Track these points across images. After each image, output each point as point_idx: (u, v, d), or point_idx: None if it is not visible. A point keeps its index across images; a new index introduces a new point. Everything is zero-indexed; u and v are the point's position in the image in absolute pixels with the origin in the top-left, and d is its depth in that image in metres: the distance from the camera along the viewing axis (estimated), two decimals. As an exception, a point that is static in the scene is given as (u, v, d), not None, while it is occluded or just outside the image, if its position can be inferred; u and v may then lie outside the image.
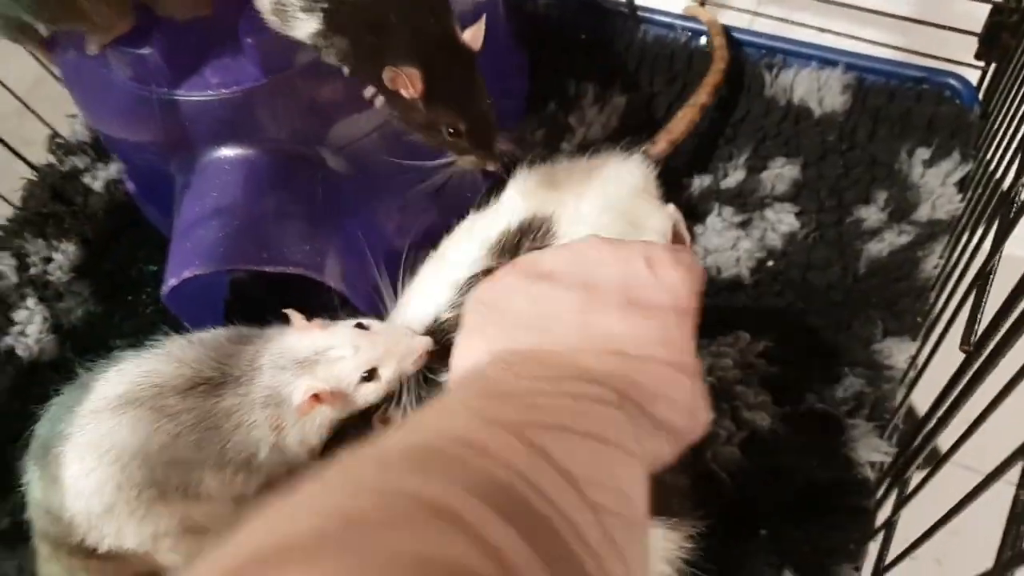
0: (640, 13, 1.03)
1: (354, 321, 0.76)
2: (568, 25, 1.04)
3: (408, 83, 0.66)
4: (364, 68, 0.70)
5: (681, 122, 0.88)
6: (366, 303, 0.84)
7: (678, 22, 1.02)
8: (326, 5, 0.67)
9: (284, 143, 0.80)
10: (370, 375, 0.72)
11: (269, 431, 0.73)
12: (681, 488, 0.68)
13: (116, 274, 0.99)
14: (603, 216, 0.80)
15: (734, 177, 0.92)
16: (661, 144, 0.87)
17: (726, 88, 0.96)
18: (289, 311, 0.77)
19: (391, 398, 0.76)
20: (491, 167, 0.74)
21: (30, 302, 0.98)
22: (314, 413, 0.73)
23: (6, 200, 1.04)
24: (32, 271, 1.00)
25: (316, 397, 0.71)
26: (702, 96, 0.90)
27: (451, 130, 0.70)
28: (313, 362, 0.73)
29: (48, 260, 1.00)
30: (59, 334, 0.96)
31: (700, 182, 0.93)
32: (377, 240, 0.87)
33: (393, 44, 0.67)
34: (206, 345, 0.75)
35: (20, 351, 0.96)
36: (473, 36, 0.71)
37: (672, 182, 0.92)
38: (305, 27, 0.68)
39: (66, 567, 0.76)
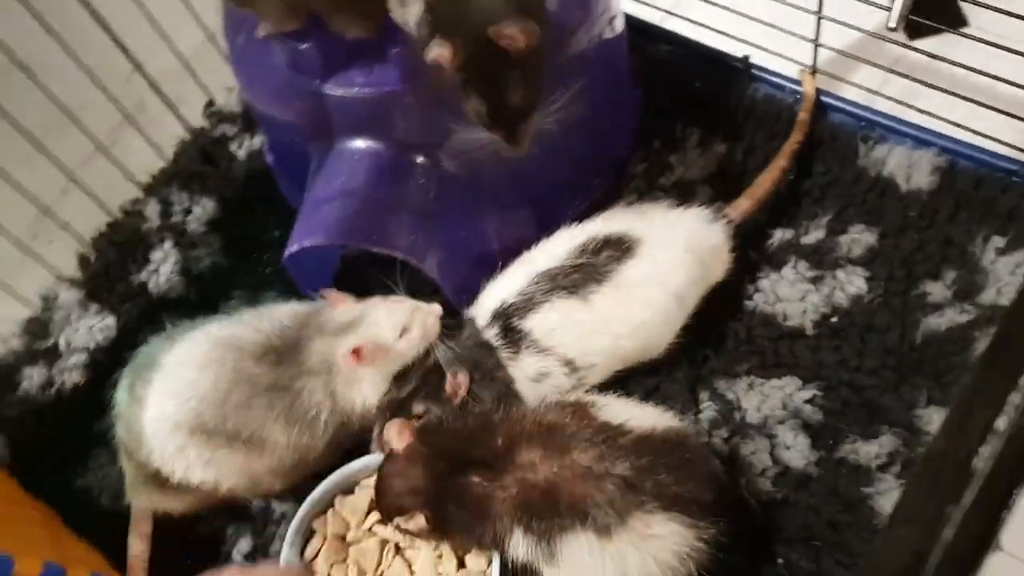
0: (754, 71, 1.10)
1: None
2: (685, 72, 1.12)
3: (446, 56, 0.71)
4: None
5: (761, 188, 0.96)
6: (455, 293, 0.93)
7: (788, 84, 1.08)
8: None
9: (410, 143, 0.90)
10: (403, 333, 0.85)
11: (325, 394, 0.85)
12: (704, 497, 0.75)
13: (245, 233, 1.11)
14: (686, 255, 0.88)
15: (814, 235, 0.98)
16: (744, 206, 0.95)
17: (822, 151, 1.02)
18: (325, 290, 0.91)
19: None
20: (513, 149, 0.80)
21: (167, 245, 1.11)
22: (361, 373, 0.85)
23: (161, 155, 1.17)
24: (173, 219, 1.13)
25: (357, 353, 0.83)
26: (781, 161, 0.98)
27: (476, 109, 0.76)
28: (354, 326, 0.86)
29: (188, 212, 1.13)
30: (186, 277, 1.09)
31: (782, 234, 0.99)
32: (475, 240, 0.96)
33: (447, 21, 0.73)
34: (274, 318, 0.88)
35: (151, 286, 1.09)
36: (518, 32, 0.72)
37: (757, 229, 0.99)
38: (414, 10, 0.75)
39: (143, 492, 0.88)
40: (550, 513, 0.73)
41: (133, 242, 1.12)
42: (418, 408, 0.86)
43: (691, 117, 1.08)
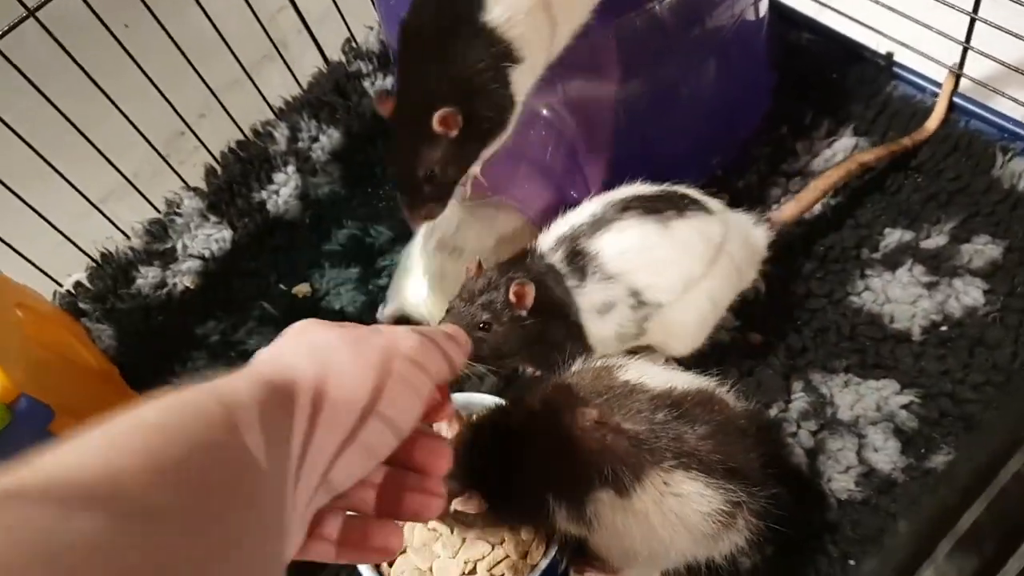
0: (895, 68, 1.07)
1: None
2: (823, 61, 1.09)
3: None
4: None
5: (810, 194, 0.93)
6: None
7: (929, 86, 1.05)
8: None
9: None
10: None
11: None
12: (733, 459, 0.71)
13: (364, 167, 1.14)
14: (730, 244, 0.84)
15: (935, 240, 0.95)
16: (789, 211, 0.92)
17: (955, 157, 0.99)
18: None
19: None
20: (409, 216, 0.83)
21: (289, 169, 1.14)
22: None
23: (297, 82, 1.21)
24: (299, 144, 1.16)
25: None
26: (868, 156, 0.96)
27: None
28: None
29: (315, 139, 1.16)
30: (304, 202, 1.12)
31: (900, 235, 0.96)
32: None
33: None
34: None
35: (269, 206, 1.13)
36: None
37: (866, 226, 0.97)
38: None
39: None
40: (573, 475, 0.70)
41: (258, 162, 1.16)
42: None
43: (823, 106, 1.06)
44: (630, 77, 0.89)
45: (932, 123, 1.00)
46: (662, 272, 0.81)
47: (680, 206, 0.83)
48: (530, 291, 0.78)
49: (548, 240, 0.84)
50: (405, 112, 0.78)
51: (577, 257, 0.81)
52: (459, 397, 0.85)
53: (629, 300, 0.81)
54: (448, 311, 0.82)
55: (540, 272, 0.81)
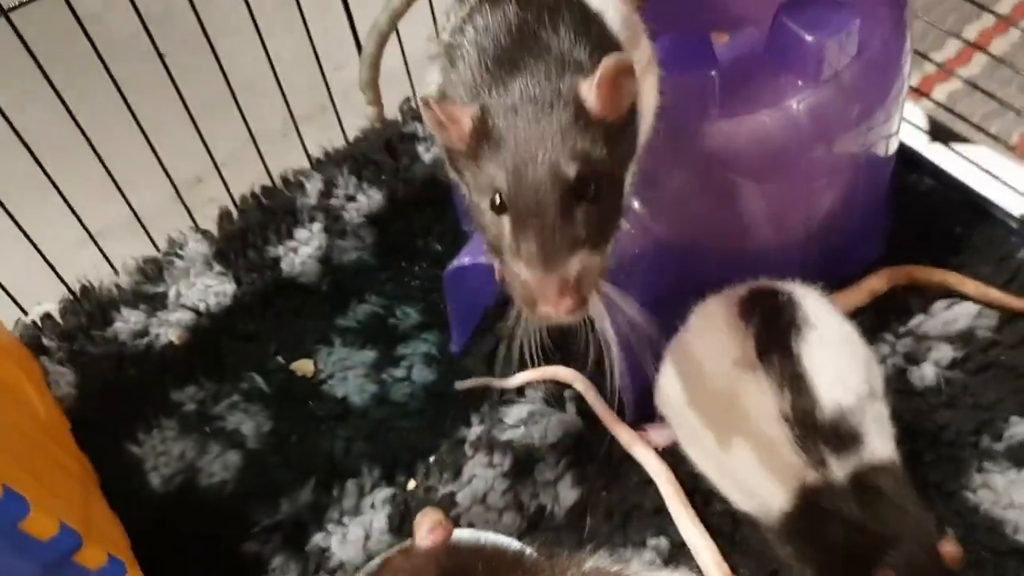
0: (1029, 233, 0.93)
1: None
2: (947, 213, 0.95)
3: None
4: None
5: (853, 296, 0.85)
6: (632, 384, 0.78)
7: (1068, 259, 0.90)
8: None
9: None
10: None
11: None
12: None
13: (403, 237, 0.98)
14: None
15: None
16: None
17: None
18: None
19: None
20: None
21: (315, 227, 1.00)
22: None
23: (344, 133, 1.07)
24: (332, 201, 1.02)
25: None
26: (970, 286, 0.87)
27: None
28: None
29: (351, 199, 1.01)
30: (325, 266, 0.97)
31: (1028, 429, 0.80)
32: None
33: None
34: None
35: (284, 264, 0.98)
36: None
37: (987, 409, 0.81)
38: None
39: None
40: None
41: (282, 213, 1.01)
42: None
43: (943, 263, 0.91)
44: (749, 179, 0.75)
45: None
46: None
47: None
48: None
49: None
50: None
51: None
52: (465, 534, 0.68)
53: None
54: None
55: None
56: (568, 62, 0.49)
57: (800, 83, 0.74)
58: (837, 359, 0.68)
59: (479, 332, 0.91)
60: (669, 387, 0.75)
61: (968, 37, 1.22)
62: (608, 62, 0.45)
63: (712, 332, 0.72)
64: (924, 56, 1.02)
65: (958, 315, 0.87)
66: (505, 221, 0.46)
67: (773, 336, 0.68)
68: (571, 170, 0.45)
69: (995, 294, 0.87)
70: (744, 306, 0.72)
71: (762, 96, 0.74)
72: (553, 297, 0.45)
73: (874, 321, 0.87)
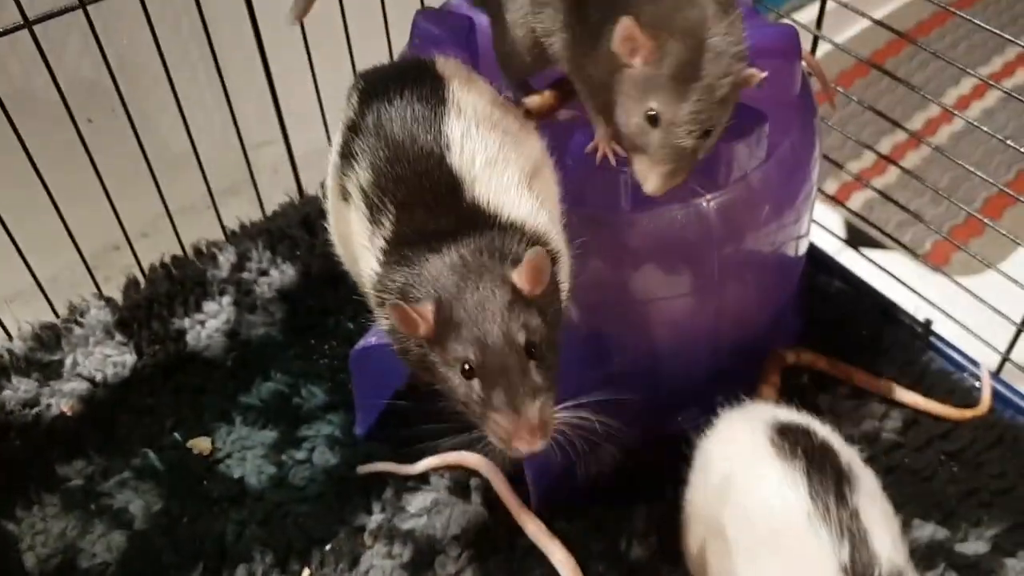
0: (933, 339, 0.95)
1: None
2: (855, 316, 0.97)
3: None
4: None
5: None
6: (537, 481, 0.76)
7: (971, 367, 0.92)
8: None
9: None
10: None
11: None
12: None
13: (313, 314, 0.97)
14: None
15: (974, 546, 0.79)
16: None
17: (999, 450, 0.85)
18: None
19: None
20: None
21: (225, 300, 0.97)
22: None
23: (262, 207, 1.05)
24: (244, 274, 1.00)
25: None
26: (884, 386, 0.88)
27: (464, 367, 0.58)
28: None
29: (264, 273, 1.00)
30: (231, 340, 0.95)
31: (933, 531, 0.80)
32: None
33: None
34: None
35: (190, 337, 0.95)
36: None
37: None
38: None
39: None
40: None
41: (191, 284, 0.99)
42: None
43: (852, 364, 0.92)
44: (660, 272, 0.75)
45: (984, 406, 0.87)
46: None
47: None
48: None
49: None
50: None
51: None
52: None
53: None
54: None
55: None
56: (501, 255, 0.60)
57: (711, 182, 0.75)
58: (884, 515, 0.67)
59: (386, 415, 0.88)
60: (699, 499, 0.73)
61: (883, 149, 1.27)
62: (530, 255, 0.57)
63: (749, 463, 0.70)
64: (838, 165, 1.05)
65: (863, 416, 0.88)
66: (475, 384, 0.57)
67: (825, 483, 0.65)
68: (521, 338, 0.57)
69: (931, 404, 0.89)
70: (779, 441, 0.69)
71: (674, 193, 0.75)
72: (527, 437, 0.57)
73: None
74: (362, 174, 0.64)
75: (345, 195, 0.65)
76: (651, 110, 0.64)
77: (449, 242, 0.59)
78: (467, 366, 0.57)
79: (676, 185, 0.67)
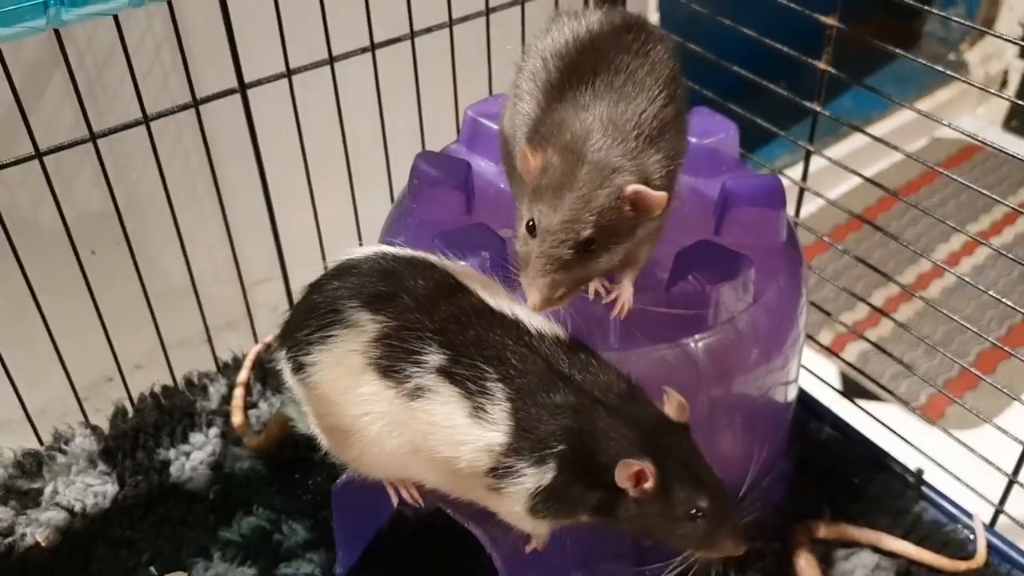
0: (925, 488, 0.93)
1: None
2: (845, 463, 0.96)
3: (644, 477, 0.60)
4: None
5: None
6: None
7: (964, 518, 0.90)
8: None
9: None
10: None
11: None
12: None
13: (301, 448, 0.95)
14: None
15: None
16: None
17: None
18: None
19: None
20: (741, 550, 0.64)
21: (211, 432, 0.97)
22: None
23: (256, 340, 1.06)
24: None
25: None
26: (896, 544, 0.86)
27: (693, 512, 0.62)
28: None
29: (252, 405, 0.99)
30: (216, 473, 0.93)
31: None
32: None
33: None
34: None
35: (174, 469, 0.94)
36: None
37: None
38: None
39: None
40: None
41: (179, 415, 0.98)
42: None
43: (843, 512, 0.90)
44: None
45: (980, 558, 0.85)
46: None
47: None
48: None
49: None
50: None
51: None
52: None
53: None
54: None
55: None
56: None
57: (699, 323, 0.76)
58: None
59: (368, 554, 0.86)
60: None
61: (876, 302, 1.29)
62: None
63: None
64: (828, 314, 1.06)
65: (855, 566, 0.86)
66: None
67: None
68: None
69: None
70: None
71: (662, 332, 0.75)
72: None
73: (774, 569, 0.86)
74: None
75: None
76: (531, 220, 0.64)
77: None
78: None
79: (560, 303, 0.65)
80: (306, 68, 0.95)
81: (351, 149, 1.01)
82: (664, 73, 0.70)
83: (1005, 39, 0.82)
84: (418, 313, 0.63)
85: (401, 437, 0.65)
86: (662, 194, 0.63)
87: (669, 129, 0.69)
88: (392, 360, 0.63)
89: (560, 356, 0.64)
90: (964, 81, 0.92)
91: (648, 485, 0.60)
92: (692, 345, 0.75)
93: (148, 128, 0.88)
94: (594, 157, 0.64)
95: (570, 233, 0.63)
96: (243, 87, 0.93)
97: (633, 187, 0.63)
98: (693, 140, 0.85)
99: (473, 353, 0.63)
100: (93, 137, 0.86)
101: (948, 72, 0.88)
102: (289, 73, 0.94)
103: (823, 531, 0.88)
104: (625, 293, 0.73)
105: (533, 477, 0.62)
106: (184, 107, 0.90)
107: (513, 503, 0.64)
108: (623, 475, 0.59)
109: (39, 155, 0.83)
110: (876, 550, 0.87)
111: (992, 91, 0.92)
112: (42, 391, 0.95)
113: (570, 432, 0.61)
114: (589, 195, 0.63)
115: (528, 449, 0.62)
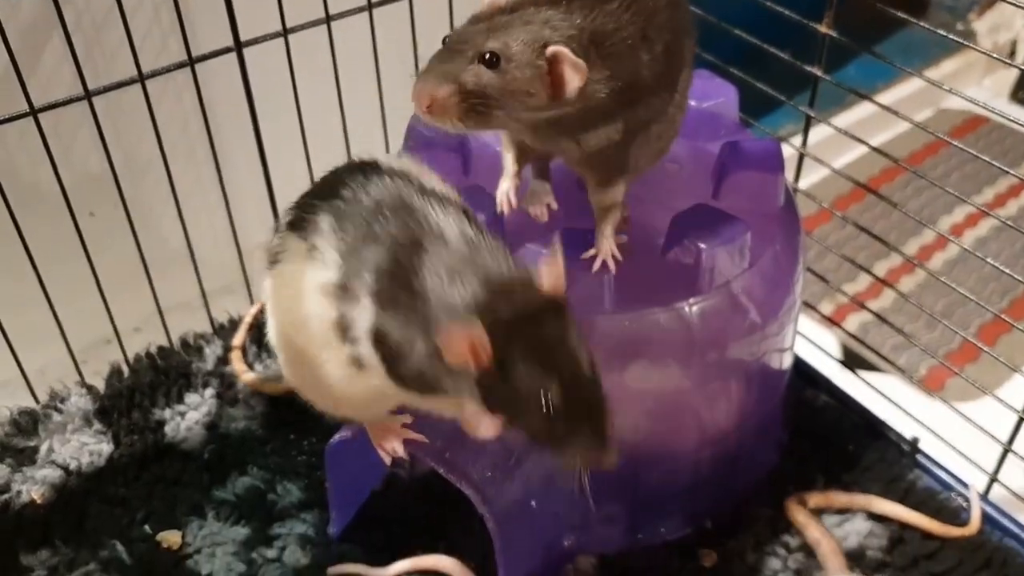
0: (920, 457, 0.93)
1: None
2: (840, 431, 0.96)
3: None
4: None
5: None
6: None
7: (958, 486, 0.90)
8: None
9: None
10: None
11: None
12: None
13: (296, 410, 0.95)
14: None
15: None
16: None
17: (986, 574, 0.82)
18: None
19: None
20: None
21: (207, 392, 0.97)
22: None
23: (252, 302, 1.06)
24: (227, 368, 0.99)
25: None
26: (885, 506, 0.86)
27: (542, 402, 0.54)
28: None
29: (249, 367, 0.99)
30: (210, 433, 0.93)
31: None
32: (547, 521, 0.78)
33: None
34: None
35: (168, 429, 0.94)
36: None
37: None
38: None
39: None
40: None
41: (175, 375, 0.98)
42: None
43: (836, 480, 0.90)
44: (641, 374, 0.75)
45: (974, 526, 0.85)
46: None
47: None
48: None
49: None
50: None
51: None
52: None
53: None
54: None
55: None
56: None
57: (693, 287, 0.75)
58: None
59: (362, 515, 0.86)
60: None
61: (879, 273, 1.28)
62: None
63: None
64: (826, 282, 1.05)
65: (848, 533, 0.86)
66: None
67: None
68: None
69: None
70: None
71: (657, 296, 0.75)
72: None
73: (767, 535, 0.86)
74: None
75: None
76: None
77: None
78: None
79: (451, 118, 0.61)
80: (303, 27, 0.94)
81: (347, 110, 1.00)
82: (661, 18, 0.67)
83: (1017, 4, 0.80)
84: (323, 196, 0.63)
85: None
86: (579, 64, 0.60)
87: (636, 52, 0.65)
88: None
89: (435, 210, 0.60)
90: (974, 48, 0.90)
91: (480, 358, 0.53)
92: (686, 309, 0.74)
93: (144, 87, 0.87)
94: (535, 20, 0.62)
95: (476, 46, 0.61)
96: (239, 45, 0.92)
97: (557, 48, 0.60)
98: (692, 103, 0.84)
99: (317, 202, 0.62)
100: (88, 95, 0.85)
101: (957, 39, 0.86)
102: (285, 32, 0.93)
103: (814, 500, 0.88)
104: (604, 244, 0.72)
105: (362, 318, 0.58)
106: (180, 65, 0.90)
107: (373, 375, 0.60)
108: (443, 340, 0.53)
109: (33, 112, 0.83)
110: (869, 516, 0.87)
111: (1003, 59, 0.90)
112: (40, 353, 0.94)
113: (385, 271, 0.57)
114: (513, 32, 0.61)
115: (351, 287, 0.58)
